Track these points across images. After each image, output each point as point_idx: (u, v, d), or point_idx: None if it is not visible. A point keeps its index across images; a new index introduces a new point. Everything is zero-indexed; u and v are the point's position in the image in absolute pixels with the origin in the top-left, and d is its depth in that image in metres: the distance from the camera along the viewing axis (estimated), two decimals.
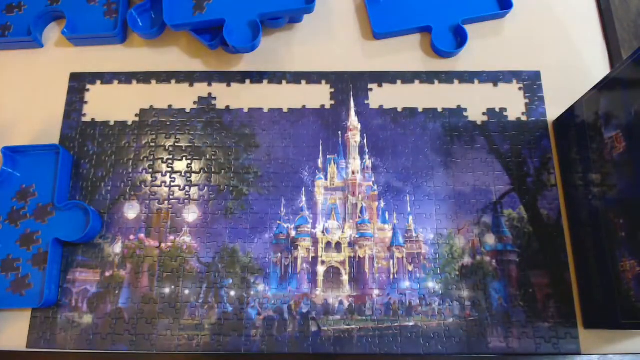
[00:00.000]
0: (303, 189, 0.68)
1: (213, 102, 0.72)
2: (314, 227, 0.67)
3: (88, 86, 0.73)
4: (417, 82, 0.73)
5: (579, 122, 0.63)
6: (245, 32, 0.70)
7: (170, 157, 0.70)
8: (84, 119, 0.71)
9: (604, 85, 0.58)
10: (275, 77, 0.73)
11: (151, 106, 0.72)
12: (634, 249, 0.51)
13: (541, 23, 0.76)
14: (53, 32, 0.76)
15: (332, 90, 0.73)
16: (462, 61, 0.74)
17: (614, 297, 0.55)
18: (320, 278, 0.65)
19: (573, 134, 0.64)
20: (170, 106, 0.72)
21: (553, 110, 0.70)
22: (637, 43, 0.93)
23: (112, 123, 0.71)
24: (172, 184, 0.69)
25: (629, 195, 0.52)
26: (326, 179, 0.69)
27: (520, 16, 0.76)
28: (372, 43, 0.76)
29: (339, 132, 0.71)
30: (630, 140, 0.52)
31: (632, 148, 0.51)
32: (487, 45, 0.75)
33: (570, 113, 0.65)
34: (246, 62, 0.74)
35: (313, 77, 0.73)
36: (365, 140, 0.70)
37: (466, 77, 0.73)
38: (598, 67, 0.74)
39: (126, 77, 0.73)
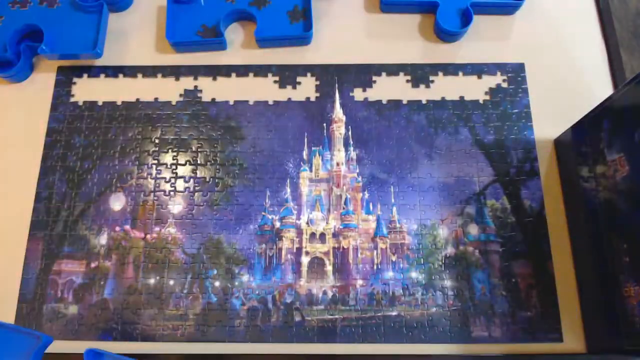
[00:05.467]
0: (288, 181, 0.69)
1: (199, 94, 0.73)
2: (298, 218, 0.68)
3: (75, 79, 0.74)
4: (401, 74, 0.73)
5: (581, 142, 0.61)
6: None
7: (156, 149, 0.70)
8: (70, 112, 0.72)
9: (606, 107, 0.56)
10: (261, 70, 0.74)
11: (137, 99, 0.73)
12: (639, 275, 0.50)
13: (539, 22, 0.76)
14: None
15: (317, 82, 0.73)
16: (454, 56, 0.74)
17: (618, 322, 0.54)
18: (304, 268, 0.65)
19: (575, 154, 0.63)
20: (156, 99, 0.73)
21: (551, 110, 0.70)
22: (636, 42, 0.93)
23: (98, 116, 0.72)
24: (158, 176, 0.69)
25: (633, 220, 0.51)
26: (311, 171, 0.70)
27: (518, 15, 0.76)
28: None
29: (324, 124, 0.71)
30: (633, 164, 0.50)
31: (635, 172, 0.50)
32: (481, 44, 0.75)
33: (572, 133, 0.64)
34: (231, 56, 0.75)
35: (298, 70, 0.74)
36: (350, 132, 0.71)
37: (450, 69, 0.73)
38: (597, 66, 0.74)
39: (112, 71, 0.74)
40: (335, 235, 0.67)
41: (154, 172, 0.69)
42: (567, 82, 0.72)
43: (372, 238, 0.66)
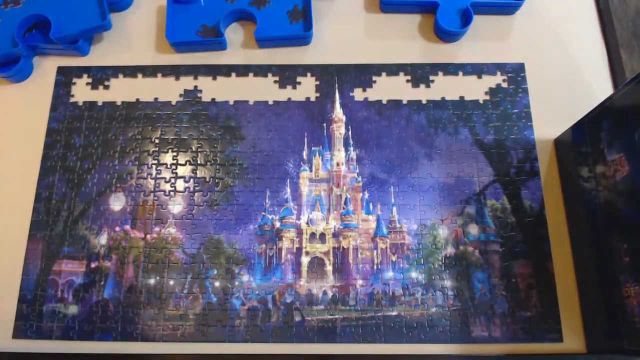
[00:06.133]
0: (288, 181, 0.69)
1: (199, 94, 0.73)
2: (298, 218, 0.68)
3: (75, 79, 0.74)
4: (401, 74, 0.73)
5: (581, 142, 0.61)
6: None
7: (156, 149, 0.70)
8: (70, 112, 0.72)
9: (606, 107, 0.56)
10: (261, 71, 0.74)
11: (137, 99, 0.73)
12: (639, 275, 0.50)
13: (539, 22, 0.76)
14: None
15: (317, 82, 0.73)
16: (454, 56, 0.74)
17: (618, 323, 0.54)
18: (304, 268, 0.65)
19: (575, 154, 0.63)
20: (156, 99, 0.73)
21: (551, 110, 0.70)
22: (636, 42, 0.93)
23: (98, 116, 0.72)
24: (158, 176, 0.69)
25: (633, 220, 0.51)
26: (311, 171, 0.70)
27: (518, 15, 0.76)
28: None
29: (324, 124, 0.71)
30: (633, 164, 0.50)
31: (635, 172, 0.50)
32: (481, 44, 0.75)
33: (572, 133, 0.64)
34: (231, 56, 0.75)
35: (299, 70, 0.74)
36: (350, 132, 0.71)
37: (450, 69, 0.73)
38: (597, 66, 0.74)
39: (113, 71, 0.74)
40: (335, 235, 0.67)
41: (154, 172, 0.69)
42: (567, 82, 0.72)
43: (372, 238, 0.66)
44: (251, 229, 0.67)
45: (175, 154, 0.70)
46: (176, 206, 0.68)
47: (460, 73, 0.73)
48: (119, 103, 0.72)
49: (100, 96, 0.73)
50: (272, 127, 0.71)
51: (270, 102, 0.72)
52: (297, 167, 0.69)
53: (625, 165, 0.52)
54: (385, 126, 0.71)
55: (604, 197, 0.56)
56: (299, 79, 0.73)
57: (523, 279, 0.64)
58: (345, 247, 0.66)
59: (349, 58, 0.74)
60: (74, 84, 0.73)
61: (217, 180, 0.69)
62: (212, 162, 0.70)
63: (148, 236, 0.66)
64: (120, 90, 0.73)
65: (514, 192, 0.67)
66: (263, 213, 0.67)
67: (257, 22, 0.73)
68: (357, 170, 0.69)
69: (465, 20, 0.73)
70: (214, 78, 0.74)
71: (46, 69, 0.74)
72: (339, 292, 0.64)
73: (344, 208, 0.68)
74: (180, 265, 0.65)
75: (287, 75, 0.73)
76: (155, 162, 0.70)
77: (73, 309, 0.63)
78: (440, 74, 0.73)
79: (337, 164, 0.70)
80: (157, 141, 0.71)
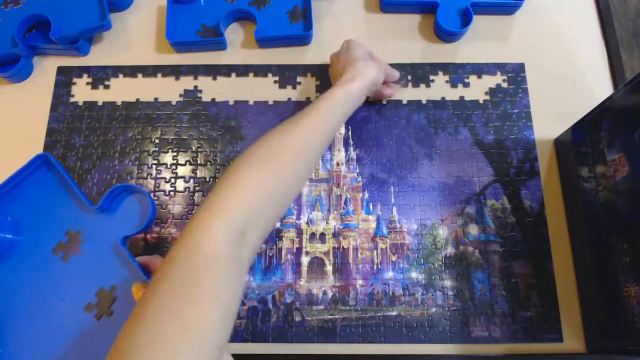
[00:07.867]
0: None
1: (199, 94, 0.73)
2: (298, 218, 0.68)
3: (75, 79, 0.74)
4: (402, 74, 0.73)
5: (581, 142, 0.61)
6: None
7: (156, 149, 0.70)
8: (70, 112, 0.72)
9: (606, 107, 0.56)
10: (261, 71, 0.74)
11: (137, 99, 0.73)
12: (639, 275, 0.50)
13: (539, 22, 0.76)
14: None
15: (317, 82, 0.73)
16: (454, 56, 0.74)
17: (618, 323, 0.54)
18: (304, 268, 0.65)
19: (575, 154, 0.63)
20: (156, 99, 0.73)
21: (551, 110, 0.70)
22: (636, 42, 0.93)
23: (98, 116, 0.72)
24: (158, 176, 0.69)
25: (633, 220, 0.51)
26: None
27: (518, 15, 0.76)
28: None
29: None
30: (633, 164, 0.50)
31: (635, 172, 0.50)
32: (481, 44, 0.75)
33: (572, 133, 0.64)
34: (231, 56, 0.75)
35: (299, 70, 0.74)
36: (350, 132, 0.71)
37: (450, 69, 0.73)
38: (597, 66, 0.74)
39: (113, 71, 0.74)
40: (335, 235, 0.67)
41: (154, 172, 0.69)
42: (567, 82, 0.72)
43: (372, 238, 0.66)
44: None
45: (175, 154, 0.70)
46: (176, 206, 0.68)
47: (460, 72, 0.73)
48: (119, 103, 0.72)
49: (100, 96, 0.73)
50: (272, 127, 0.70)
51: (270, 102, 0.72)
52: None
53: (625, 165, 0.52)
54: (385, 126, 0.71)
55: (604, 197, 0.56)
56: (299, 79, 0.73)
57: (523, 279, 0.64)
58: (345, 247, 0.66)
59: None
60: (74, 84, 0.73)
61: (217, 180, 0.69)
62: (212, 162, 0.70)
63: (148, 236, 0.66)
64: (120, 90, 0.73)
65: (514, 192, 0.67)
66: None
67: (257, 22, 0.73)
68: (357, 170, 0.69)
69: (465, 20, 0.73)
70: (214, 78, 0.74)
71: (46, 69, 0.74)
72: (339, 292, 0.64)
73: (343, 208, 0.68)
74: None
75: (287, 75, 0.73)
76: (155, 162, 0.70)
77: None
78: (440, 74, 0.73)
79: (337, 164, 0.70)
80: (157, 141, 0.71)
